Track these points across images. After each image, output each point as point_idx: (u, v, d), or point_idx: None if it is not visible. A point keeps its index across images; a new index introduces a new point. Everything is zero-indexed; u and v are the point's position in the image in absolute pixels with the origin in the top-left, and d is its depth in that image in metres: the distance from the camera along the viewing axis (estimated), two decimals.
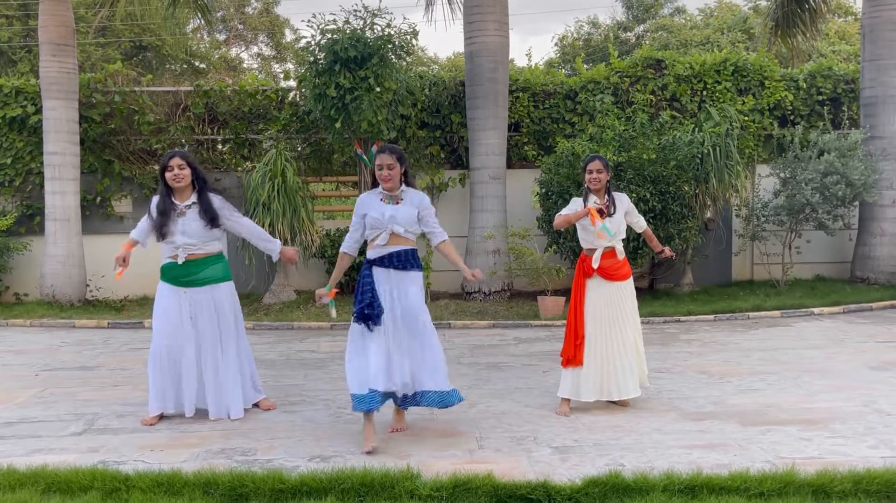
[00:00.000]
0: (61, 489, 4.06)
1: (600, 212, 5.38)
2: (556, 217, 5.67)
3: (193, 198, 5.43)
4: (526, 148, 11.68)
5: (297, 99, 11.53)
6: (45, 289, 10.47)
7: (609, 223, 5.46)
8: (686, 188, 10.07)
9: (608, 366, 5.48)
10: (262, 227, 9.89)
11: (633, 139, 10.14)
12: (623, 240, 5.68)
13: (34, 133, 11.01)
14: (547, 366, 7.07)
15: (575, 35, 31.47)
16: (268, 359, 7.51)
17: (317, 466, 4.39)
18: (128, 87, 11.36)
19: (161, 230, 5.40)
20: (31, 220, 11.16)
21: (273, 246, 5.63)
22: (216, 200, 5.49)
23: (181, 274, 5.43)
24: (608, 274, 5.56)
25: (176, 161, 5.37)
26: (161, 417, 5.43)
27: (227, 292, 5.53)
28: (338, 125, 10.02)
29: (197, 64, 28.70)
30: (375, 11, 10.13)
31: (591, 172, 5.54)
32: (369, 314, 4.89)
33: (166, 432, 5.17)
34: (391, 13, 10.22)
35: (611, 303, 5.54)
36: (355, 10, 10.09)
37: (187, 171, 5.40)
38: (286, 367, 7.18)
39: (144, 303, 10.70)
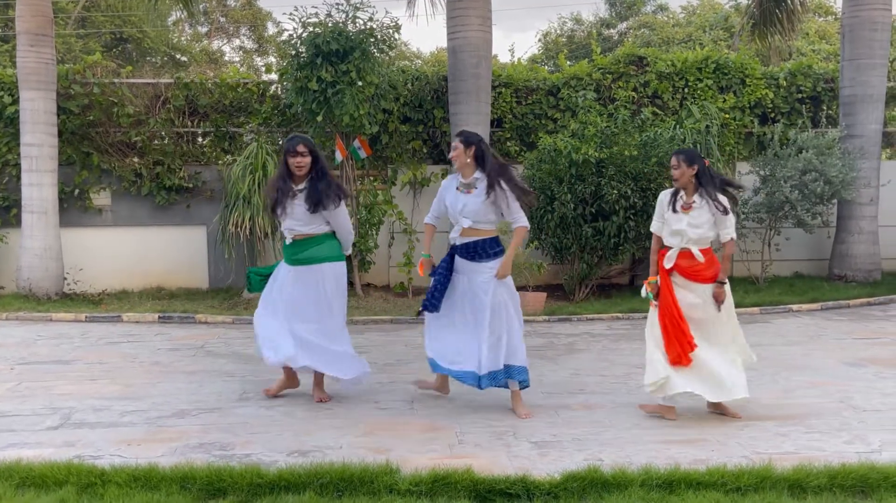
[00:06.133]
0: (36, 484, 4.02)
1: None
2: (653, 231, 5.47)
3: (305, 184, 5.55)
4: (508, 143, 11.68)
5: (279, 92, 11.46)
6: (22, 283, 10.35)
7: (687, 223, 5.22)
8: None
9: (702, 371, 5.14)
10: (243, 220, 9.89)
11: (614, 136, 10.17)
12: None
13: (11, 124, 10.87)
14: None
15: (558, 32, 31.52)
16: (247, 354, 7.46)
17: (295, 461, 4.37)
18: (107, 78, 11.23)
19: (274, 209, 5.63)
20: (8, 212, 11.02)
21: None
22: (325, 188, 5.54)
23: (290, 253, 5.63)
24: (686, 273, 5.22)
25: (301, 147, 5.48)
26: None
27: (330, 272, 5.61)
28: (319, 119, 9.97)
29: (178, 57, 28.46)
30: (357, 5, 10.08)
31: (669, 169, 5.32)
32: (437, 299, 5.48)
33: (143, 427, 5.13)
34: (373, 7, 10.19)
35: (694, 306, 5.20)
36: (337, 4, 10.05)
37: (308, 159, 5.52)
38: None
39: (123, 297, 10.61)
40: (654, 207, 9.64)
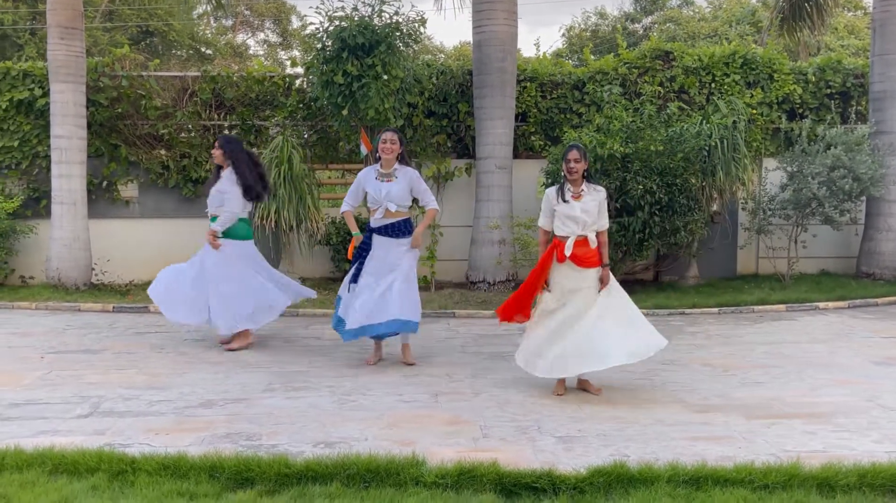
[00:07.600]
0: (68, 470, 4.09)
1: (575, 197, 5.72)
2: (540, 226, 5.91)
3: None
4: (533, 138, 11.65)
5: (304, 86, 11.50)
6: (51, 273, 10.49)
7: (581, 210, 5.68)
8: (693, 180, 10.03)
9: (570, 346, 5.60)
10: (269, 213, 9.97)
11: (640, 130, 10.10)
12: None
13: (41, 116, 11.00)
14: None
15: (582, 26, 31.38)
16: (273, 346, 7.53)
17: (322, 452, 4.40)
18: (135, 71, 11.34)
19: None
20: (38, 203, 11.17)
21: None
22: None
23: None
24: (579, 260, 5.68)
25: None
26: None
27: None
28: (345, 112, 10.00)
29: (203, 50, 28.66)
30: None
31: (568, 162, 5.68)
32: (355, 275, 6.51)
33: (171, 416, 5.19)
34: (399, 1, 10.19)
35: (575, 290, 5.71)
36: None
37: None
38: (290, 354, 7.19)
39: None
40: (680, 203, 9.73)
